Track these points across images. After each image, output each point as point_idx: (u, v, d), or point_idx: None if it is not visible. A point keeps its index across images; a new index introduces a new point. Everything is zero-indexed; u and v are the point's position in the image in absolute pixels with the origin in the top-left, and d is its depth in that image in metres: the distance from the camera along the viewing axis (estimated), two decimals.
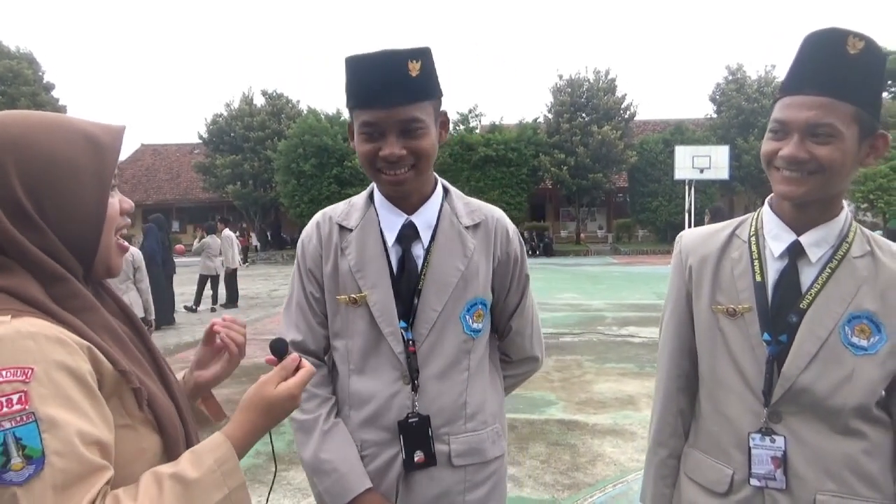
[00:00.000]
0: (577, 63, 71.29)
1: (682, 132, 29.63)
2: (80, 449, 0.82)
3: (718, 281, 1.44)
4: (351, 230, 1.52)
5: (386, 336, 1.46)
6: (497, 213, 1.60)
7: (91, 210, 0.96)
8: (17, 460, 0.77)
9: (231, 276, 13.08)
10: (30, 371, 0.80)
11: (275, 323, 10.74)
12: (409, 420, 1.46)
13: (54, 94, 32.31)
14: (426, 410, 1.47)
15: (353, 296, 1.49)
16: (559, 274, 18.17)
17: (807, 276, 1.36)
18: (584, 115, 29.67)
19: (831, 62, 1.23)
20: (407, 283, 1.48)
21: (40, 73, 31.96)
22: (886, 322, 1.29)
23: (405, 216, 1.50)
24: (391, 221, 1.51)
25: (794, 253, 1.36)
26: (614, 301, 12.62)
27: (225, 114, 32.99)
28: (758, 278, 1.39)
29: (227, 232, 13.28)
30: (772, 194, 1.43)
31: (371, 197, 1.56)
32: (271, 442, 1.17)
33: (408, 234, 1.50)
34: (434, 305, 1.48)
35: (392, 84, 1.36)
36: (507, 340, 1.65)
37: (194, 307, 12.58)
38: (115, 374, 0.92)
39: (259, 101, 33.71)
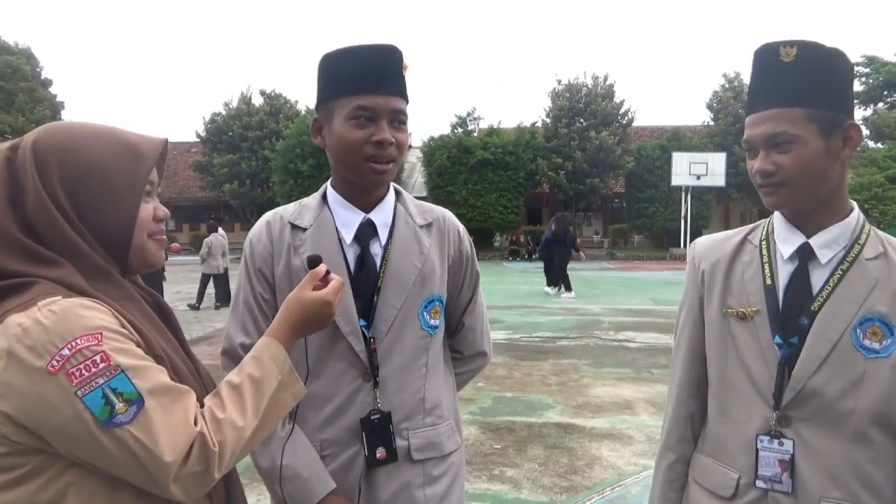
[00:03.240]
0: (575, 68, 71.38)
1: (679, 139, 29.74)
2: (164, 379, 0.96)
3: (729, 285, 1.45)
4: (305, 229, 1.51)
5: (346, 335, 1.46)
6: (447, 213, 1.64)
7: (122, 212, 1.04)
8: (120, 405, 0.90)
9: (222, 276, 13.03)
10: (99, 334, 0.91)
11: None
12: (372, 417, 1.46)
13: (52, 90, 32.25)
14: (387, 407, 1.48)
15: None
16: None
17: (818, 278, 1.36)
18: (582, 120, 29.78)
19: (770, 74, 1.31)
20: (366, 282, 1.49)
21: (38, 69, 31.91)
22: None
23: (363, 214, 1.51)
24: (348, 219, 1.51)
25: (805, 255, 1.37)
26: (610, 306, 12.65)
27: (223, 113, 33.00)
28: (768, 281, 1.40)
29: (220, 231, 13.25)
30: None
31: (324, 197, 1.56)
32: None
33: (366, 231, 1.51)
34: (393, 303, 1.49)
35: (391, 74, 1.43)
36: (460, 336, 1.69)
37: (197, 305, 12.56)
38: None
39: (257, 100, 33.75)
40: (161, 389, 0.94)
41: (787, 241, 1.40)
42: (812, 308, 1.34)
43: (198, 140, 33.70)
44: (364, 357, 1.46)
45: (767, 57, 1.31)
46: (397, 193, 1.60)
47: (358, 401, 1.47)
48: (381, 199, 1.54)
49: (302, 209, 1.56)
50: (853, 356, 1.29)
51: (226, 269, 13.06)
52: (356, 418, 1.46)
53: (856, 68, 32.39)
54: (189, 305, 12.54)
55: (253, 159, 31.62)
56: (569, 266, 14.31)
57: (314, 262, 1.25)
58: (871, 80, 30.87)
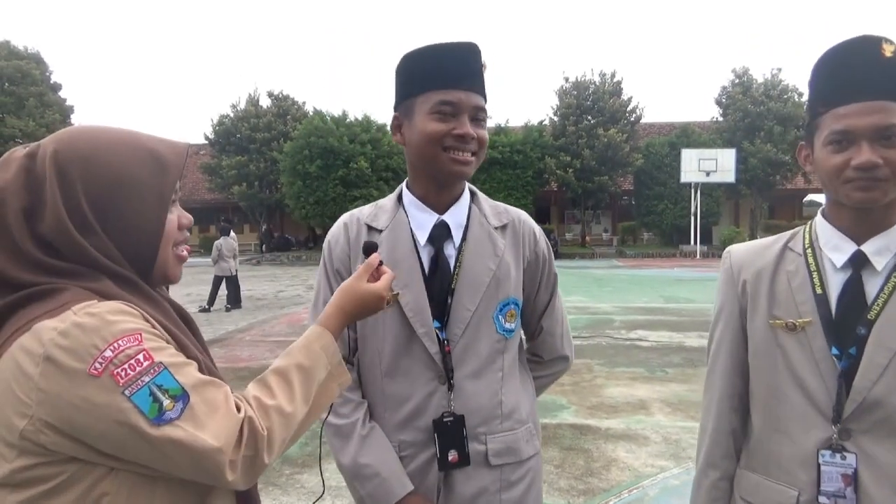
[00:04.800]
0: (582, 66, 71.34)
1: (687, 135, 29.61)
2: (202, 376, 0.97)
3: (774, 295, 1.41)
4: (380, 231, 1.53)
5: (420, 336, 1.46)
6: (522, 214, 1.63)
7: (150, 226, 1.01)
8: (167, 402, 0.90)
9: (233, 278, 13.08)
10: (139, 334, 0.91)
11: (282, 324, 10.75)
12: (445, 419, 1.46)
13: (62, 93, 32.46)
14: (462, 410, 1.47)
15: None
16: (566, 276, 18.14)
17: (872, 286, 1.32)
18: (589, 117, 29.69)
19: (873, 68, 1.25)
20: (440, 283, 1.48)
21: (48, 74, 32.12)
22: None
23: (437, 215, 1.51)
24: (422, 221, 1.52)
25: (859, 263, 1.33)
26: (621, 304, 12.59)
27: (231, 115, 33.10)
28: (818, 291, 1.36)
29: (231, 234, 13.30)
30: (823, 206, 1.41)
31: (399, 198, 1.57)
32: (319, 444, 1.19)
33: (440, 233, 1.51)
34: (468, 305, 1.48)
35: (472, 71, 1.45)
36: (539, 340, 1.67)
37: (208, 307, 12.60)
38: None
39: (265, 102, 33.84)
40: (201, 383, 0.94)
41: (837, 249, 1.36)
42: (869, 317, 1.30)
43: (206, 142, 33.82)
44: (438, 359, 1.46)
45: (867, 50, 1.26)
46: (472, 195, 1.60)
47: (433, 403, 1.47)
48: (455, 199, 1.54)
49: (378, 211, 1.58)
50: None
51: (237, 272, 13.11)
52: (431, 420, 1.47)
53: None
54: (200, 308, 12.58)
55: (261, 161, 31.71)
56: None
57: (370, 248, 1.28)
58: None
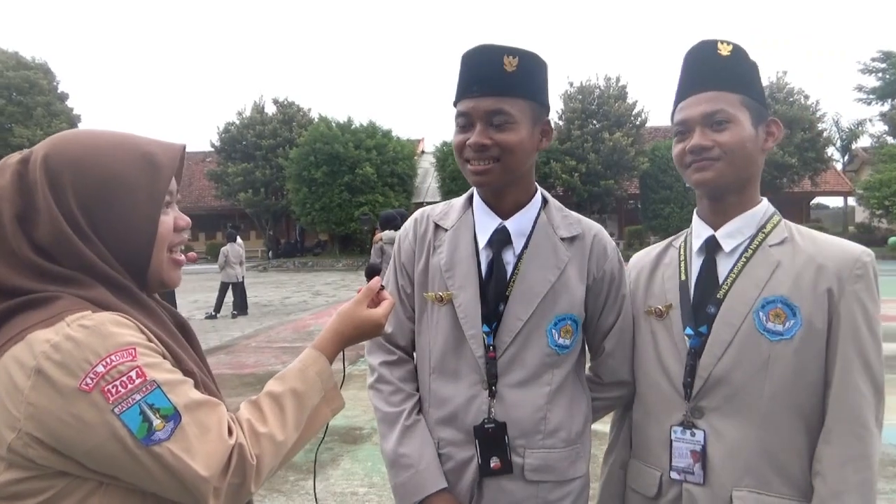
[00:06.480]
0: (587, 70, 71.23)
1: None
2: (197, 395, 0.94)
3: (651, 287, 1.52)
4: (446, 230, 1.53)
5: (468, 338, 1.45)
6: (596, 227, 1.55)
7: (143, 227, 0.99)
8: (157, 422, 0.88)
9: (239, 284, 13.10)
10: (133, 349, 0.89)
11: (288, 330, 10.76)
12: (486, 426, 1.44)
13: (69, 103, 32.67)
14: (503, 418, 1.45)
15: (440, 294, 1.49)
16: None
17: (724, 267, 1.40)
18: (595, 121, 29.64)
19: (709, 64, 1.40)
20: (494, 288, 1.46)
21: (55, 83, 32.33)
22: (801, 304, 1.29)
23: (499, 220, 1.50)
24: (485, 224, 1.51)
25: (711, 247, 1.42)
26: None
27: (237, 122, 33.19)
28: (682, 277, 1.46)
29: (238, 241, 13.33)
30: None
31: (470, 199, 1.57)
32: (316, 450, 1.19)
33: (499, 238, 1.49)
34: (520, 314, 1.45)
35: (484, 75, 1.40)
36: (599, 361, 1.60)
37: (215, 314, 12.62)
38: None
39: (270, 109, 33.95)
40: (195, 404, 0.92)
41: (698, 236, 1.46)
42: (718, 296, 1.37)
43: (212, 149, 33.95)
44: (482, 364, 1.45)
45: (705, 50, 1.41)
46: (545, 202, 1.56)
47: (474, 407, 1.46)
48: (520, 205, 1.51)
49: (449, 210, 1.59)
50: (757, 340, 1.31)
51: (243, 278, 13.13)
52: (471, 423, 1.46)
53: (871, 63, 32.03)
54: (207, 314, 12.60)
55: (267, 167, 31.79)
56: None
57: (372, 272, 1.27)
58: (887, 76, 30.48)
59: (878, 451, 1.26)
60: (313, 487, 1.50)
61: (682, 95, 1.43)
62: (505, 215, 1.50)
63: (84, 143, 0.97)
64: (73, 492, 0.89)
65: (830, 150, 32.60)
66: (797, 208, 35.08)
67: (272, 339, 9.96)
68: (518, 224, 1.49)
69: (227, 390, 1.19)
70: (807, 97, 29.36)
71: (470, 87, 1.41)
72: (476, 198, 1.54)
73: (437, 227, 1.55)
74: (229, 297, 12.92)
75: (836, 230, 30.87)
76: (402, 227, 1.62)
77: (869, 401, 1.26)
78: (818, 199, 36.03)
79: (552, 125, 1.51)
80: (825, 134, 30.74)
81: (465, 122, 1.42)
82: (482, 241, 1.50)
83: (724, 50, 1.38)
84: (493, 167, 1.41)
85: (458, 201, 1.59)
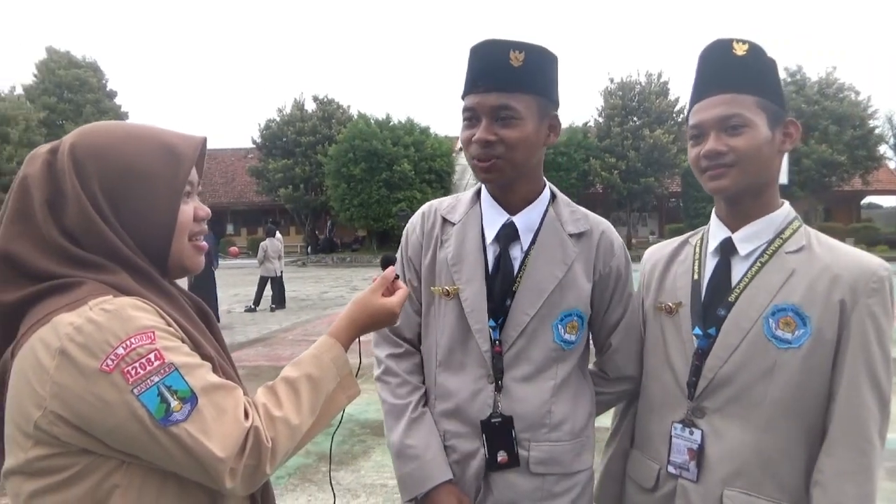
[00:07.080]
0: (628, 66, 70.33)
1: None
2: (214, 378, 0.96)
3: (664, 283, 1.52)
4: (454, 224, 1.53)
5: (474, 333, 1.46)
6: (603, 224, 1.55)
7: (163, 216, 1.03)
8: (175, 403, 0.90)
9: (278, 279, 13.30)
10: (152, 332, 0.91)
11: (325, 324, 10.88)
12: (493, 420, 1.45)
13: (117, 100, 33.63)
14: (509, 412, 1.45)
15: (446, 288, 1.50)
16: None
17: (738, 271, 1.39)
18: (635, 118, 29.25)
19: (723, 64, 1.36)
20: (501, 283, 1.47)
21: (104, 81, 33.32)
22: (812, 313, 1.27)
23: (507, 216, 1.50)
24: (493, 219, 1.51)
25: (727, 249, 1.41)
26: None
27: (277, 119, 33.69)
28: (695, 276, 1.45)
29: (277, 236, 13.52)
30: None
31: (478, 193, 1.57)
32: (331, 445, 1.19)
33: (507, 233, 1.49)
34: (526, 310, 1.45)
35: (490, 70, 1.39)
36: (605, 357, 1.60)
37: (254, 307, 12.82)
38: None
39: (310, 106, 34.35)
40: (212, 387, 0.94)
41: (715, 237, 1.44)
42: (730, 299, 1.36)
43: (254, 146, 34.54)
44: (488, 358, 1.46)
45: (720, 50, 1.37)
46: (553, 197, 1.55)
47: (479, 401, 1.47)
48: (528, 201, 1.51)
49: (457, 204, 1.59)
50: (765, 346, 1.30)
51: (282, 273, 13.32)
52: (476, 417, 1.46)
53: None
54: (246, 308, 12.82)
55: (307, 164, 32.19)
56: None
57: (387, 262, 1.28)
58: None
59: (879, 465, 1.26)
60: (328, 474, 1.51)
61: (696, 97, 1.40)
62: (513, 210, 1.50)
63: (109, 134, 1.02)
64: (95, 469, 0.91)
65: (883, 148, 31.48)
66: (847, 207, 33.99)
67: (309, 332, 10.09)
68: (526, 220, 1.49)
69: (263, 380, 1.19)
70: (857, 93, 28.42)
71: (476, 82, 1.40)
72: (484, 192, 1.54)
73: (444, 221, 1.54)
74: (268, 291, 13.12)
75: (889, 230, 29.80)
76: (410, 221, 1.61)
77: (875, 415, 1.25)
78: (870, 199, 34.88)
79: (559, 120, 1.49)
80: (877, 131, 29.69)
81: (472, 118, 1.42)
82: (489, 236, 1.50)
83: (740, 49, 1.35)
84: (498, 163, 1.40)
85: (467, 195, 1.58)
